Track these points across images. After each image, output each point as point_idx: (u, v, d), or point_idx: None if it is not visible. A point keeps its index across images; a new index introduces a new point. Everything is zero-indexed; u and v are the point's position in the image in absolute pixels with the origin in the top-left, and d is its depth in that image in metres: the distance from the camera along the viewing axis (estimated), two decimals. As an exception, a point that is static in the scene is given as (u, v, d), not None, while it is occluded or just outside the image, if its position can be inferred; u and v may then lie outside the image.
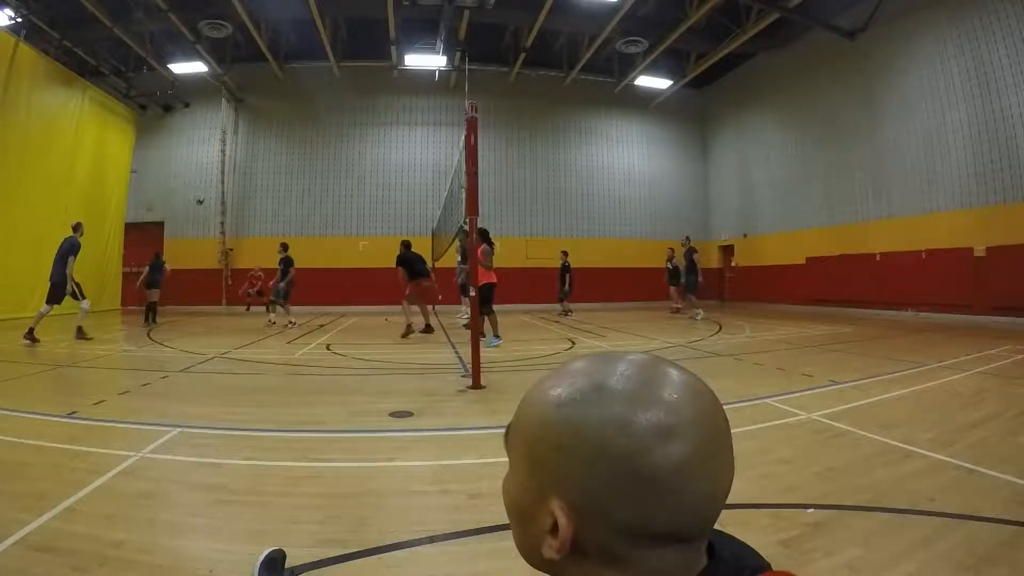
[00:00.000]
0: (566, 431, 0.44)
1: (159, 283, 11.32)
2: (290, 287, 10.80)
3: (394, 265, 8.91)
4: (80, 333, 8.00)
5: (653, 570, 0.44)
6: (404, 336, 8.46)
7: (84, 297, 8.15)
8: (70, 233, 8.22)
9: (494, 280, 7.91)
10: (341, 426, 3.63)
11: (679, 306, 13.32)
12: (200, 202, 16.03)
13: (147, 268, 11.40)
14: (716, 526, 0.47)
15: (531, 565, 0.49)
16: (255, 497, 2.43)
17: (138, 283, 11.55)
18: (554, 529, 0.44)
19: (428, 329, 8.78)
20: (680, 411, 0.43)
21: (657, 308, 16.20)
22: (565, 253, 13.78)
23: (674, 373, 0.46)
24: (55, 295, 7.91)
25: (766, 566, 0.49)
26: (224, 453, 2.98)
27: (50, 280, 8.00)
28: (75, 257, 8.04)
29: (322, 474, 2.76)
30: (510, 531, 0.50)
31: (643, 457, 0.42)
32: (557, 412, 0.45)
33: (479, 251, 7.82)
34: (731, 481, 0.46)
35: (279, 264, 10.78)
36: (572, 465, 0.44)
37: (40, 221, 11.26)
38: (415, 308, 8.79)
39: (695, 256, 12.06)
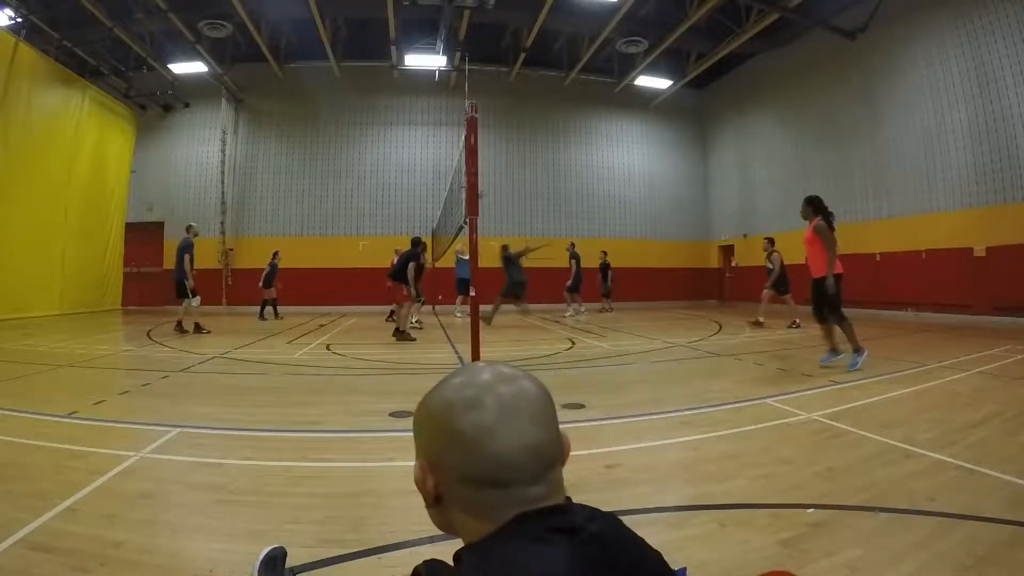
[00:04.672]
0: (421, 408, 0.65)
1: None
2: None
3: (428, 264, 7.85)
4: (196, 328, 9.08)
5: (491, 506, 0.57)
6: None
7: (195, 295, 9.25)
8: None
9: (840, 270, 5.74)
10: (341, 426, 3.63)
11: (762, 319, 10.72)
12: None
13: None
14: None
15: (438, 528, 0.64)
16: (255, 497, 2.43)
17: None
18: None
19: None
20: (486, 393, 0.60)
21: (658, 308, 16.21)
22: (604, 253, 14.97)
23: (499, 371, 0.64)
24: (180, 290, 9.18)
25: (659, 558, 0.60)
26: (224, 453, 2.98)
27: (174, 279, 9.31)
28: (191, 256, 9.15)
29: (322, 474, 2.76)
30: None
31: (452, 420, 0.60)
32: (424, 398, 0.66)
33: (812, 225, 5.63)
34: (540, 441, 0.60)
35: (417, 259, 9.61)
36: (421, 431, 0.64)
37: (40, 221, 11.28)
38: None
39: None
